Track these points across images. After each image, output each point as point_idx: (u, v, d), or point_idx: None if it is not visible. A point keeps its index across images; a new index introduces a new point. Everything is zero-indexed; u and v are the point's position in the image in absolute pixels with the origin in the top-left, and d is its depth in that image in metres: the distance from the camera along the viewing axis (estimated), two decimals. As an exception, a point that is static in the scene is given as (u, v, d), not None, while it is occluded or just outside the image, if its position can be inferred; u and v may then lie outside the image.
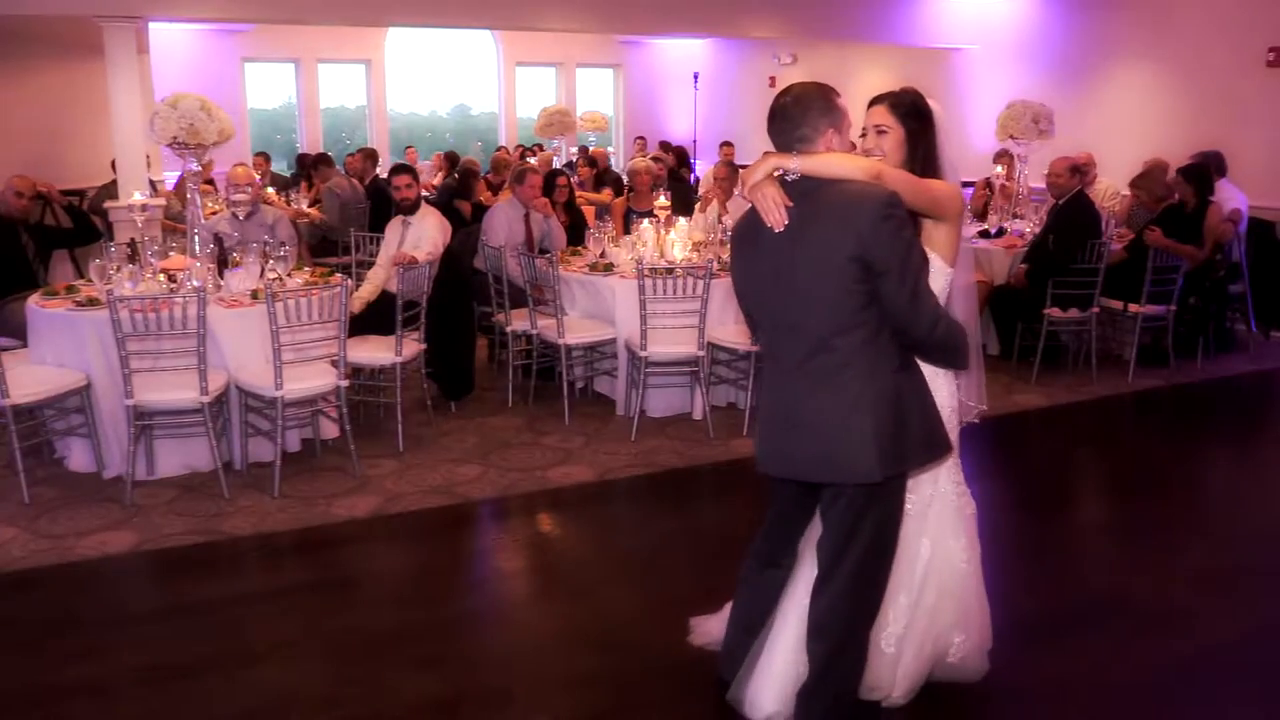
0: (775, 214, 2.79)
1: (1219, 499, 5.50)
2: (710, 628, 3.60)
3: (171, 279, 5.55)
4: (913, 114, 3.08)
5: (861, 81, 12.50)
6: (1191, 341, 7.72)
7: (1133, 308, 7.34)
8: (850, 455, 2.82)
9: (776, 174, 2.85)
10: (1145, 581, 4.31)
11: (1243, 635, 3.90)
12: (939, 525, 3.23)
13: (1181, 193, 7.67)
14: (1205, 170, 7.75)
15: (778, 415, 2.97)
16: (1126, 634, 3.87)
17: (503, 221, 7.15)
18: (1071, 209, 7.44)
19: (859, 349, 2.79)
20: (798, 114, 2.84)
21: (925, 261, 2.84)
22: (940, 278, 3.05)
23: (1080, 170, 7.59)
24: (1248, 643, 3.85)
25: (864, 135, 3.13)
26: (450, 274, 6.49)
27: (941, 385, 3.14)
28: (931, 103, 3.14)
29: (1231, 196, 8.14)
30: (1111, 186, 9.48)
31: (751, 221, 2.91)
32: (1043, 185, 8.02)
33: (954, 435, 3.17)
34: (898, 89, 3.17)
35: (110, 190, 8.66)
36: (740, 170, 9.39)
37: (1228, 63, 9.13)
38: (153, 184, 9.22)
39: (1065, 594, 4.23)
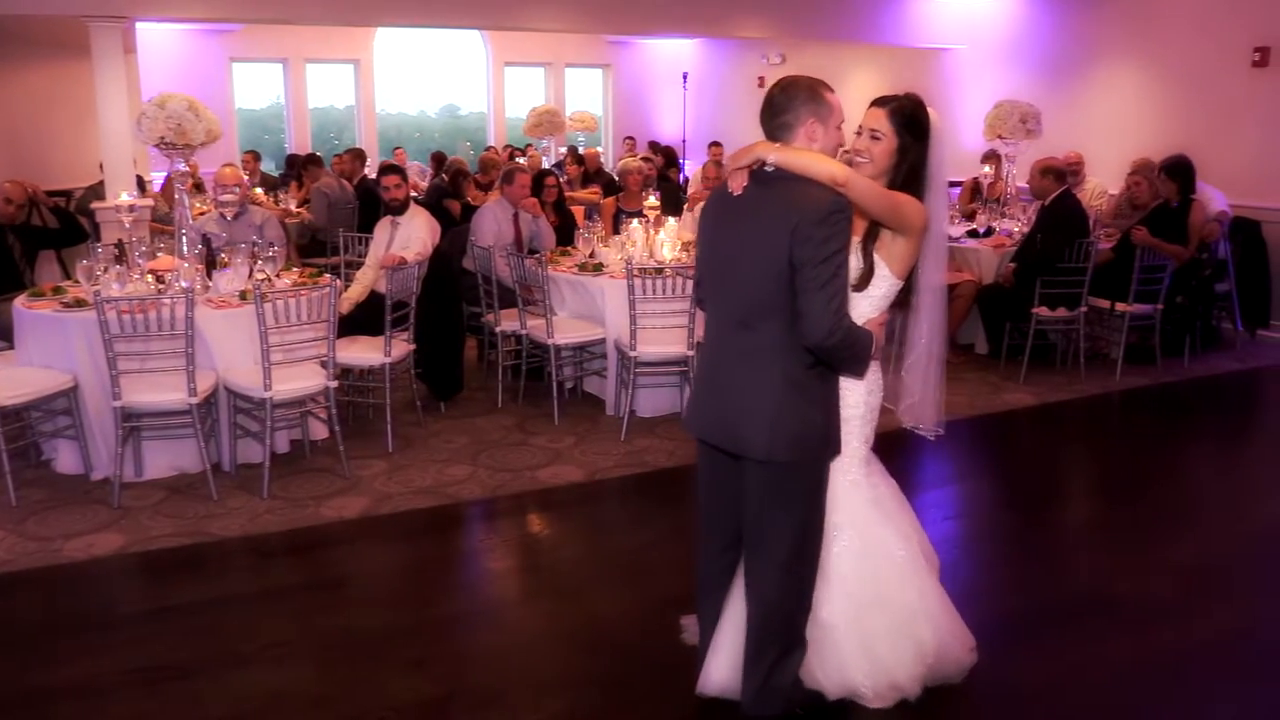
0: (738, 180, 2.97)
1: (1206, 497, 5.52)
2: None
3: (159, 280, 5.53)
4: (910, 126, 3.12)
5: (851, 82, 12.53)
6: (1178, 340, 7.76)
7: (1120, 306, 7.37)
8: (746, 430, 2.99)
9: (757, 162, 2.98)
10: (1133, 578, 4.34)
11: (1231, 631, 3.92)
12: (854, 515, 3.23)
13: (1165, 189, 7.73)
14: (1189, 167, 7.81)
15: (704, 377, 3.18)
16: (1115, 630, 3.89)
17: (491, 221, 7.14)
18: (1059, 208, 7.48)
19: (777, 336, 2.93)
20: (783, 101, 2.98)
21: (840, 275, 2.87)
22: (884, 284, 3.13)
23: (1057, 171, 7.62)
24: (1235, 638, 3.87)
25: (858, 133, 3.16)
26: (439, 274, 6.48)
27: (854, 388, 3.20)
28: (932, 112, 3.17)
29: (1211, 197, 8.19)
30: (1099, 186, 9.52)
31: (722, 191, 3.07)
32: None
33: (866, 434, 3.25)
34: (902, 95, 3.19)
35: (97, 191, 8.63)
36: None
37: (1213, 63, 9.17)
38: (140, 181, 9.16)
39: (1054, 591, 4.24)
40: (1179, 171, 7.72)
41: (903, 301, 3.22)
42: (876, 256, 3.10)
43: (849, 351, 2.94)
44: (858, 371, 3.12)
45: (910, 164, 3.13)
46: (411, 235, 6.41)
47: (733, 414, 3.02)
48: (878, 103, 3.16)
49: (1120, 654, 3.72)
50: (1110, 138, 9.97)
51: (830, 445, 3.09)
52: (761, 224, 2.91)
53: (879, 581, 3.23)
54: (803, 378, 2.96)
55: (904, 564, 3.27)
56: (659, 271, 5.95)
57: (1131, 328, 7.46)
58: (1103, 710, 3.42)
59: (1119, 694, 3.49)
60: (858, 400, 3.22)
